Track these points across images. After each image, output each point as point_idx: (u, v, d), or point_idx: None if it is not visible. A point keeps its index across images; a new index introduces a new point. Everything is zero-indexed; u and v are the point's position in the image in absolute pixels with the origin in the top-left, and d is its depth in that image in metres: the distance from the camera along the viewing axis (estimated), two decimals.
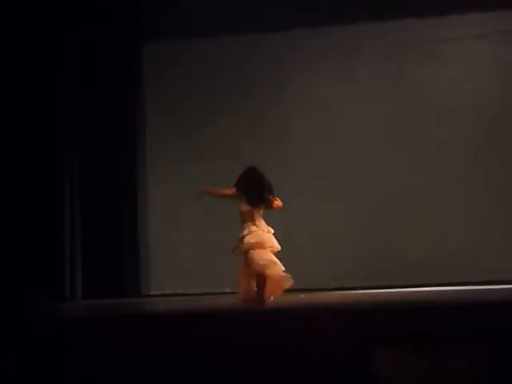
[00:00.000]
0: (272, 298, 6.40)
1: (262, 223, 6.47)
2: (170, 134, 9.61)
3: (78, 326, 5.29)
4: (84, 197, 9.31)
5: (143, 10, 9.54)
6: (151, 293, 9.38)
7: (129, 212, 9.43)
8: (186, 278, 9.12)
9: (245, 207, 6.49)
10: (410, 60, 9.15)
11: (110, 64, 9.45)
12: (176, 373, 4.68)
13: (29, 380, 4.84)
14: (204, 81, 9.58)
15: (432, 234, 8.85)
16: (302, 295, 7.54)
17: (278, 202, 6.53)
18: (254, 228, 6.42)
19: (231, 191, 6.57)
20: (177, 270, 9.20)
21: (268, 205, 6.50)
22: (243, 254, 6.42)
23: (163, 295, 9.11)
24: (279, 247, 6.45)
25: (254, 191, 6.48)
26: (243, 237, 6.41)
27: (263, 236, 6.41)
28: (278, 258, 6.43)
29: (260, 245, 6.37)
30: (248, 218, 6.47)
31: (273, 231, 6.51)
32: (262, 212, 6.52)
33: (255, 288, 6.34)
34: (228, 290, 7.90)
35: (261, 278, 6.30)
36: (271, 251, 6.39)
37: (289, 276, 6.32)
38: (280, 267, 6.33)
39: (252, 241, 6.38)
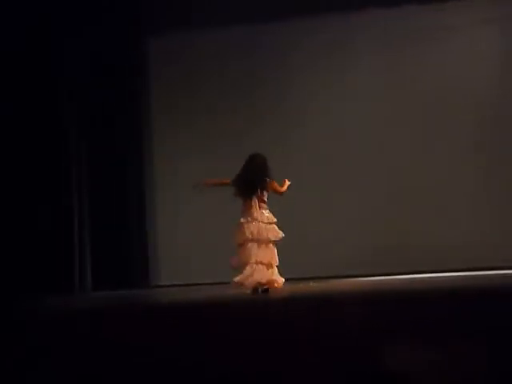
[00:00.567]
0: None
1: (256, 213, 6.45)
2: (174, 131, 9.69)
3: (88, 318, 5.30)
4: (92, 190, 9.36)
5: (143, 9, 9.57)
6: (161, 283, 9.46)
7: (137, 204, 9.54)
8: (196, 268, 9.13)
9: (242, 199, 6.53)
10: (411, 48, 9.16)
11: (109, 64, 9.46)
12: (187, 363, 4.68)
13: (38, 372, 4.83)
14: (205, 79, 9.61)
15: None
16: (311, 283, 7.57)
17: (282, 188, 6.56)
18: (242, 220, 6.45)
19: (230, 180, 6.60)
20: (187, 260, 9.21)
21: (267, 189, 6.50)
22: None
23: (173, 286, 9.16)
24: (277, 237, 6.44)
25: (244, 183, 6.50)
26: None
27: (252, 228, 6.40)
28: (278, 246, 6.45)
29: (248, 239, 6.39)
30: (244, 210, 6.51)
31: (274, 220, 6.49)
32: (261, 201, 6.50)
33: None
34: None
35: None
36: (264, 242, 6.40)
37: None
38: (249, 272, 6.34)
39: (238, 236, 6.44)
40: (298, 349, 4.43)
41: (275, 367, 4.35)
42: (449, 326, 4.39)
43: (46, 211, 8.95)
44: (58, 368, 4.74)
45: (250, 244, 6.38)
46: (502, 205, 8.91)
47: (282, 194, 6.61)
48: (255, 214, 6.43)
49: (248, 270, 6.34)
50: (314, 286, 7.33)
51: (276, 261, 6.45)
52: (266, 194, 6.54)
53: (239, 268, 6.42)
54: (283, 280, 6.47)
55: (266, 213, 6.49)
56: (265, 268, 6.36)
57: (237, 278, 6.39)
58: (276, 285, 6.40)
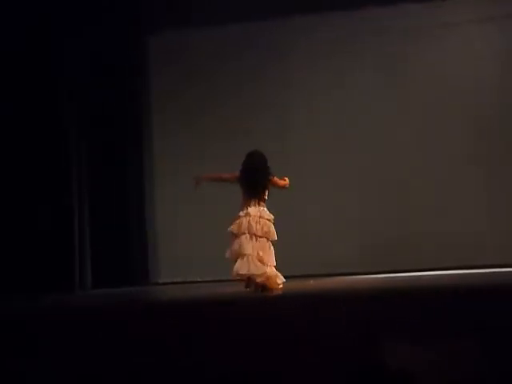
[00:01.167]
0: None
1: (255, 209, 6.49)
2: (174, 131, 9.69)
3: (88, 315, 5.30)
4: (92, 190, 9.35)
5: (143, 9, 9.57)
6: (160, 281, 9.47)
7: (137, 203, 9.56)
8: (196, 265, 9.13)
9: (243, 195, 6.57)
10: (411, 46, 9.17)
11: (109, 64, 9.44)
12: (186, 360, 4.68)
13: (38, 370, 4.83)
14: (205, 79, 9.61)
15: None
16: (311, 281, 7.57)
17: (284, 181, 6.60)
18: (240, 213, 6.49)
19: (230, 175, 6.64)
20: (187, 257, 9.19)
21: (268, 186, 6.54)
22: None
23: (173, 283, 9.17)
24: (271, 234, 6.46)
25: (247, 184, 6.54)
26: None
27: (250, 222, 6.42)
28: (278, 244, 6.47)
29: (244, 232, 6.42)
30: (242, 205, 6.55)
31: (272, 217, 6.52)
32: (261, 199, 6.54)
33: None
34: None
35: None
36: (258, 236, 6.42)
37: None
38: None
39: (234, 228, 6.46)
40: (298, 346, 4.45)
41: (274, 364, 4.38)
42: (449, 325, 4.40)
43: (46, 211, 8.96)
44: (58, 365, 4.76)
45: (243, 236, 6.41)
46: (502, 204, 8.90)
47: (283, 187, 6.64)
48: (254, 209, 6.47)
49: (240, 261, 6.36)
50: (313, 284, 7.32)
51: (273, 260, 6.47)
52: (267, 192, 6.58)
53: (232, 259, 6.45)
54: (283, 279, 6.47)
55: (264, 209, 6.54)
56: (257, 261, 6.37)
57: (233, 271, 6.43)
58: (276, 285, 6.40)
